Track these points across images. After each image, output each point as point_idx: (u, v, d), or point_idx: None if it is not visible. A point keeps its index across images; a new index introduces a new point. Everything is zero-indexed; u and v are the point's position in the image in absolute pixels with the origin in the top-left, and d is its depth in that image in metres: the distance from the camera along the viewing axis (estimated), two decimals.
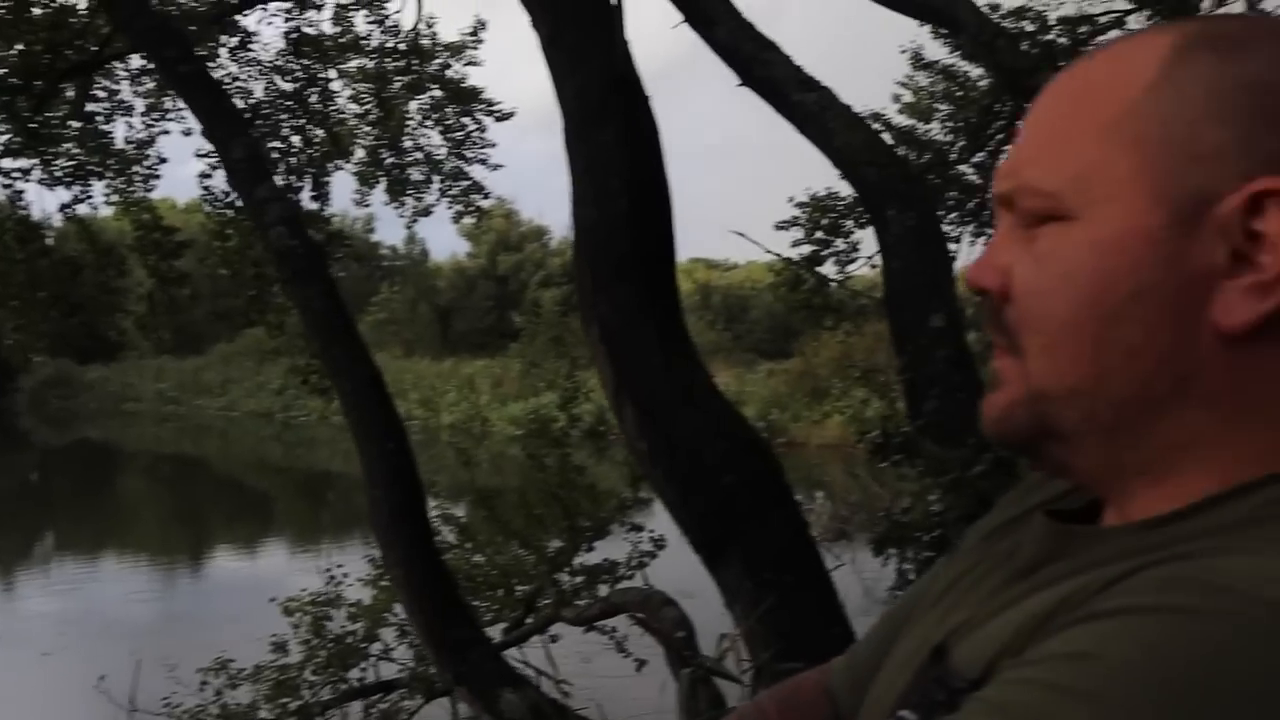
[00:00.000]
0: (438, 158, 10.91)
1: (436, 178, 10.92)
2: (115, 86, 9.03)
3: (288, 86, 9.53)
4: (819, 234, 9.39)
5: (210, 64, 8.08)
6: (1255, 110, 0.58)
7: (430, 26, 10.71)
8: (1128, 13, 8.31)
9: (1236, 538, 0.54)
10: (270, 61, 9.53)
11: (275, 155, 8.93)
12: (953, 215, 9.46)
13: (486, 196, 11.22)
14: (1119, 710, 0.48)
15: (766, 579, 2.92)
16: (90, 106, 8.63)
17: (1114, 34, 8.18)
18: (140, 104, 9.08)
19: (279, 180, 8.74)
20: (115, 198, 8.75)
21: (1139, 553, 0.57)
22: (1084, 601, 0.55)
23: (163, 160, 9.05)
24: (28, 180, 8.21)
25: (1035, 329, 0.62)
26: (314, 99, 9.70)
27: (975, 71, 9.88)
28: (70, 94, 8.54)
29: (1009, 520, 0.76)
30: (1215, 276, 0.57)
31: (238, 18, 9.17)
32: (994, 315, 0.65)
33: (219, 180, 8.59)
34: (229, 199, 8.51)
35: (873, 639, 0.87)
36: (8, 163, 8.10)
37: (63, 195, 8.42)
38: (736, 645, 2.75)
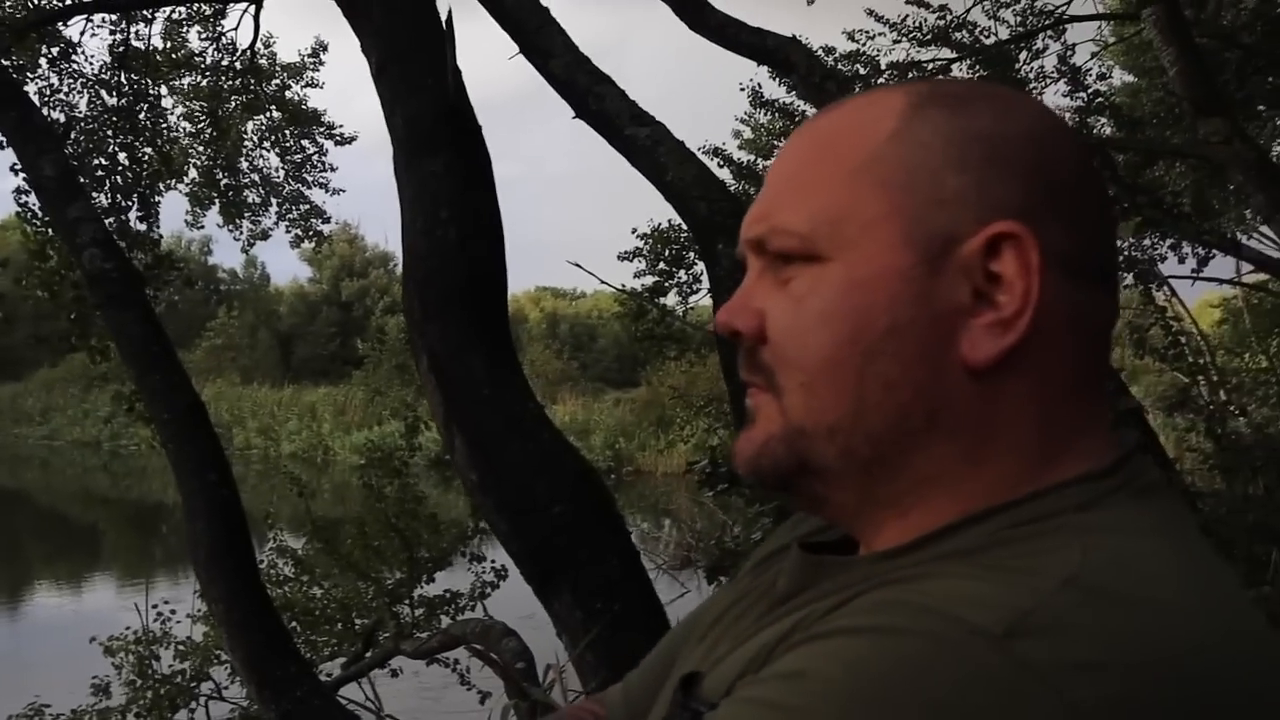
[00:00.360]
0: (276, 180, 10.64)
1: (274, 201, 10.65)
2: None
3: (114, 101, 9.13)
4: (661, 265, 9.56)
5: (29, 75, 7.69)
6: (986, 160, 0.62)
7: (268, 46, 10.46)
8: (953, 61, 8.76)
9: (948, 565, 0.57)
10: (96, 75, 9.13)
11: (100, 173, 8.55)
12: None
13: (327, 221, 11.00)
14: None
15: (597, 608, 2.93)
16: None
17: (939, 78, 8.58)
18: None
19: (104, 199, 8.38)
20: None
21: (867, 580, 0.60)
22: (806, 628, 0.58)
23: None
24: None
25: (793, 367, 0.64)
26: (143, 115, 9.33)
27: (811, 111, 10.25)
28: None
29: (771, 554, 0.78)
30: (961, 314, 0.61)
31: (59, 27, 8.75)
32: (748, 356, 0.67)
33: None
34: (48, 217, 8.09)
35: (649, 667, 0.89)
36: None
37: None
38: (564, 675, 2.75)
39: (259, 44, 10.20)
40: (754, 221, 0.68)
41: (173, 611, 6.16)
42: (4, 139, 4.39)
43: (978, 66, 8.78)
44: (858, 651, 0.52)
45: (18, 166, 7.93)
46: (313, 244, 11.30)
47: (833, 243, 0.63)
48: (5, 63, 5.02)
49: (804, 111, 10.50)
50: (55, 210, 4.04)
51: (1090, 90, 8.55)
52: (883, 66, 9.61)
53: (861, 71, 9.60)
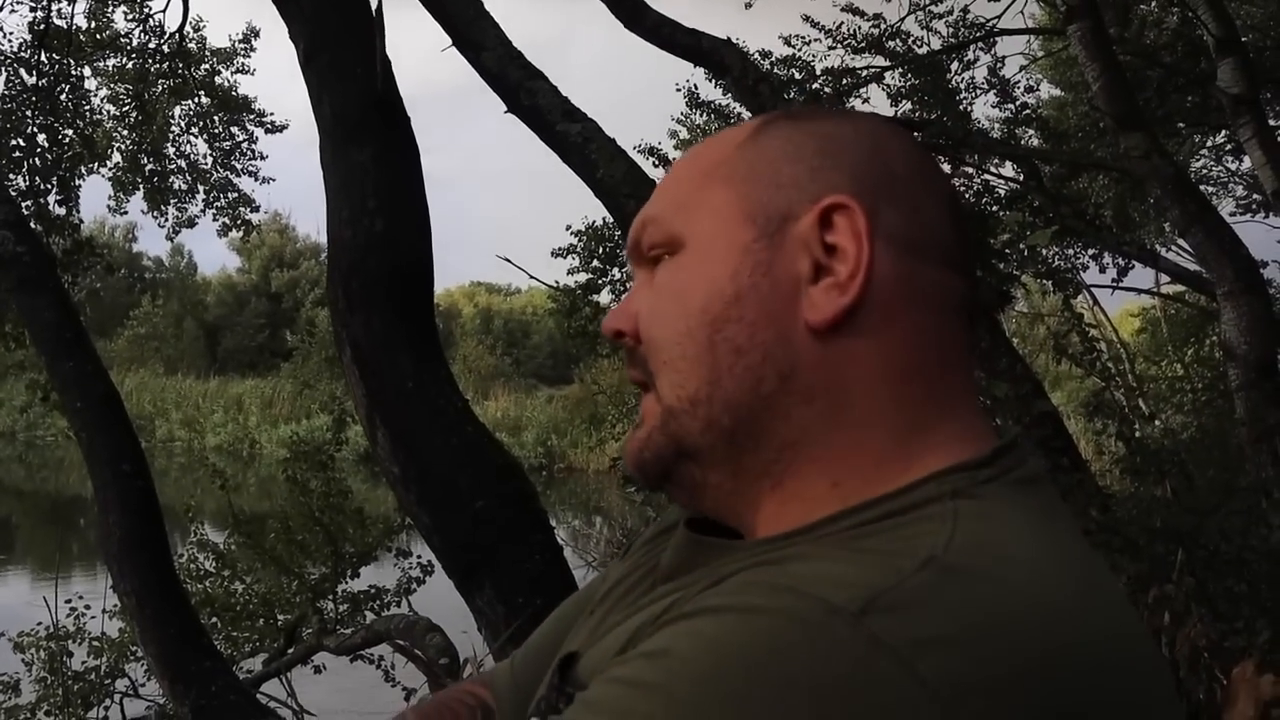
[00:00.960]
0: (203, 167, 10.44)
1: (202, 188, 10.44)
2: None
3: (33, 80, 8.88)
4: (595, 263, 9.55)
5: None
6: (819, 151, 0.67)
7: (198, 30, 10.27)
8: (885, 69, 8.87)
9: (818, 546, 0.59)
10: (14, 53, 8.87)
11: (18, 154, 8.32)
12: None
13: (256, 209, 10.81)
14: (678, 700, 0.51)
15: (519, 603, 2.93)
16: None
17: (872, 87, 8.68)
18: None
19: (21, 181, 8.16)
20: None
21: (741, 561, 0.61)
22: (683, 605, 0.59)
23: None
24: None
25: (656, 348, 0.68)
26: (64, 96, 9.09)
27: (746, 114, 10.30)
28: None
29: (664, 530, 0.80)
30: (802, 282, 0.65)
31: None
32: (632, 356, 0.70)
33: None
34: None
35: (535, 644, 0.89)
36: None
37: None
38: (480, 670, 2.73)
39: (188, 27, 10.01)
40: (634, 231, 0.73)
41: (87, 607, 6.02)
42: None
43: (910, 75, 8.91)
44: (718, 630, 0.53)
45: None
46: (240, 233, 11.09)
47: (687, 231, 0.68)
48: None
49: (738, 113, 10.56)
50: None
51: (1019, 103, 8.71)
52: (817, 72, 9.71)
53: (797, 76, 9.70)
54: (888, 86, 9.72)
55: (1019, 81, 9.18)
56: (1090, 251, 10.07)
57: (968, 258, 0.69)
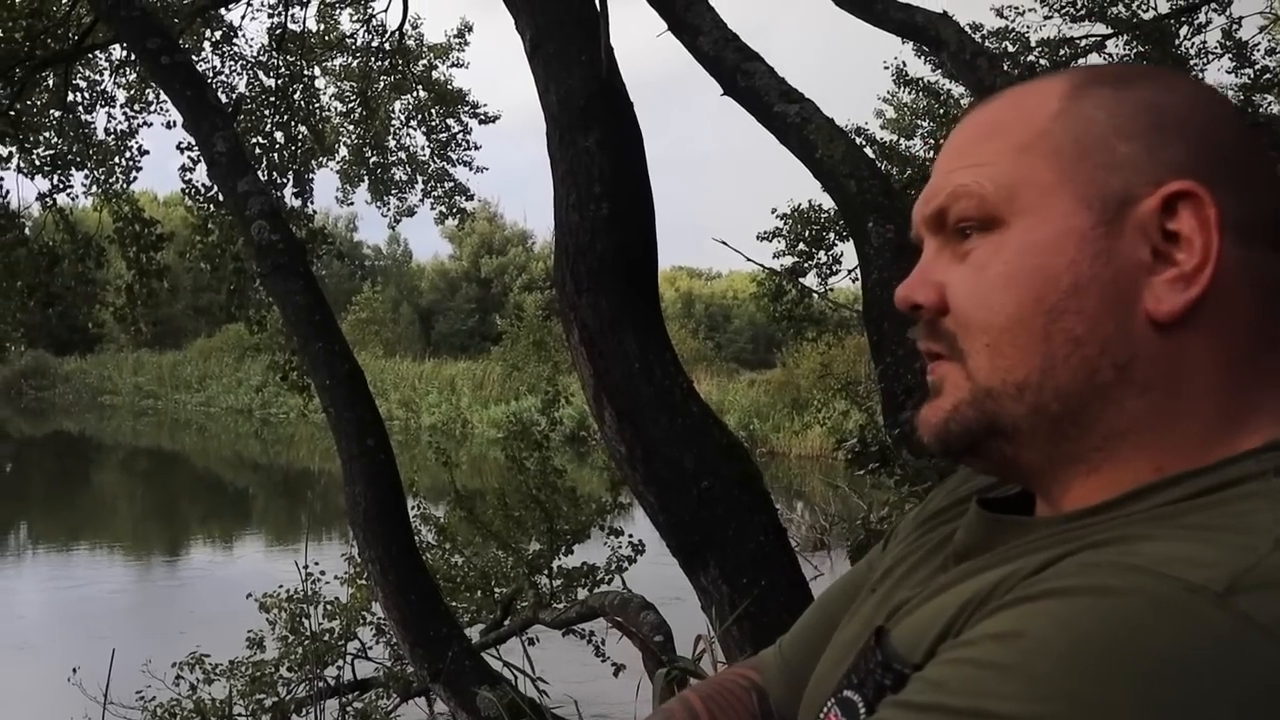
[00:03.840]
0: (422, 159, 10.92)
1: (420, 179, 10.93)
2: (96, 76, 9.01)
3: (271, 82, 9.51)
4: (801, 246, 9.47)
5: (194, 57, 8.05)
6: (1152, 126, 0.65)
7: (416, 27, 10.73)
8: (1107, 37, 8.40)
9: (1151, 526, 0.59)
10: (254, 57, 9.52)
11: (258, 151, 8.91)
12: None
13: (470, 199, 11.25)
14: (1039, 680, 0.51)
15: (743, 584, 2.95)
16: (71, 96, 8.59)
17: (1093, 57, 8.24)
18: (121, 95, 9.07)
19: (261, 177, 8.73)
20: (95, 189, 8.72)
21: (1065, 541, 0.61)
22: (1013, 587, 0.59)
23: (144, 152, 9.03)
24: (6, 168, 8.17)
25: (978, 330, 0.67)
26: (297, 96, 9.69)
27: (957, 90, 9.98)
28: (51, 82, 8.50)
29: (940, 510, 0.81)
30: (1142, 271, 0.63)
31: (221, 11, 9.15)
32: (930, 328, 0.70)
33: (201, 174, 8.58)
34: (210, 193, 8.49)
35: (805, 628, 0.91)
36: None
37: (41, 184, 8.39)
38: (712, 648, 2.78)
39: (407, 25, 10.48)
40: (929, 198, 0.71)
41: (322, 572, 6.38)
42: (181, 118, 4.61)
43: (1134, 42, 8.42)
44: (1073, 611, 0.53)
45: (184, 145, 8.44)
46: (456, 221, 11.56)
47: (1010, 209, 0.66)
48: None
49: (949, 91, 10.25)
50: (226, 184, 4.23)
51: (1258, 66, 8.11)
52: (1033, 43, 9.30)
53: (1010, 49, 9.32)
54: (1110, 56, 9.23)
55: (1258, 44, 8.54)
56: None
57: None
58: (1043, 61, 9.36)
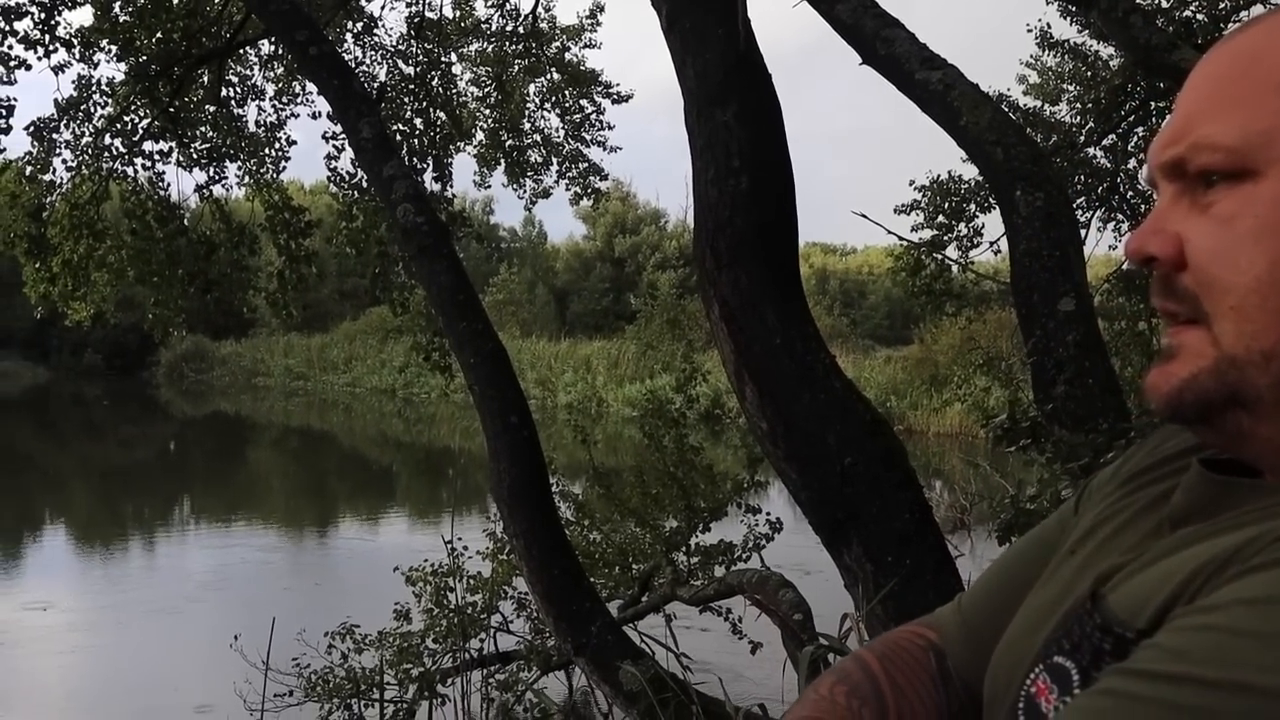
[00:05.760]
0: (556, 140, 11.03)
1: (555, 160, 11.04)
2: (247, 72, 9.38)
3: (409, 70, 9.74)
4: (941, 218, 9.23)
5: (337, 48, 8.30)
6: None
7: (549, 10, 10.82)
8: None
9: None
10: (393, 46, 9.76)
11: (398, 138, 9.14)
12: (1080, 200, 9.18)
13: (604, 179, 11.31)
14: None
15: (887, 562, 2.90)
16: (224, 91, 8.97)
17: (1256, 8, 7.77)
18: (270, 89, 9.43)
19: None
20: (247, 179, 9.09)
21: None
22: (1260, 550, 0.55)
23: (292, 142, 9.37)
24: (167, 162, 8.59)
25: (1223, 290, 0.61)
26: (435, 82, 9.89)
27: (1106, 51, 9.55)
28: (206, 79, 8.89)
29: (1145, 469, 0.76)
30: None
31: (362, 2, 9.41)
32: (1165, 284, 0.64)
33: (345, 162, 8.85)
34: (355, 180, 8.75)
35: (988, 590, 0.87)
36: (149, 145, 8.49)
37: (199, 177, 8.80)
38: (858, 626, 2.73)
39: (540, 9, 10.58)
40: (1168, 144, 0.65)
41: (465, 547, 6.52)
42: (328, 107, 4.75)
43: None
44: None
45: (329, 134, 8.73)
46: (590, 201, 11.65)
47: (1262, 157, 0.60)
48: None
49: (1097, 52, 9.82)
50: (373, 169, 4.34)
51: None
52: None
53: (1165, 4, 8.87)
54: (1275, 5, 8.70)
55: None
56: None
57: None
58: (1199, 16, 8.89)
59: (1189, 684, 0.50)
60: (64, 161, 8.34)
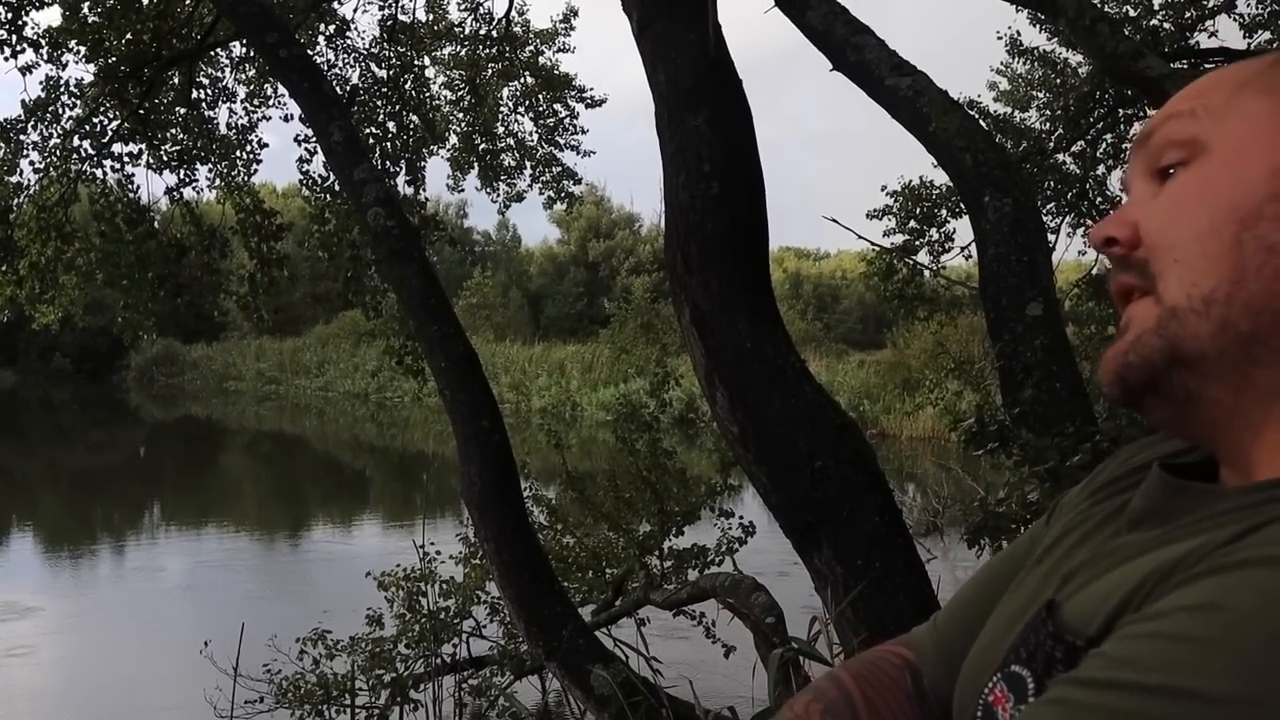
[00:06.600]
0: (530, 144, 11.02)
1: (528, 164, 11.03)
2: (219, 74, 9.32)
3: (382, 73, 9.70)
4: (912, 223, 9.29)
5: (309, 52, 8.25)
6: None
7: (522, 14, 10.82)
8: None
9: None
10: (366, 49, 9.73)
11: (371, 141, 9.10)
12: (1049, 205, 9.27)
13: (578, 182, 11.31)
14: (1245, 657, 0.48)
15: (857, 565, 2.91)
16: (195, 93, 8.91)
17: (1220, 19, 7.84)
18: (242, 91, 9.37)
19: (375, 166, 8.93)
20: (218, 182, 9.03)
21: (1259, 510, 0.57)
22: (1204, 557, 0.55)
23: (263, 145, 9.31)
24: (137, 165, 8.52)
25: (1167, 247, 0.63)
26: (408, 85, 9.86)
27: (1074, 59, 9.64)
28: (176, 81, 8.82)
29: (1113, 479, 0.76)
30: None
31: (334, 5, 9.37)
32: (1121, 264, 0.67)
33: (318, 165, 8.81)
34: (327, 183, 8.71)
35: (962, 604, 0.87)
36: (118, 147, 8.41)
37: (169, 179, 8.73)
38: (827, 629, 2.74)
39: (513, 12, 10.57)
40: (1141, 134, 0.70)
41: (438, 552, 6.50)
42: (299, 109, 4.73)
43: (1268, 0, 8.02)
44: (1276, 582, 0.50)
45: (301, 137, 8.68)
46: (564, 205, 11.64)
47: (1212, 132, 0.64)
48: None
49: (1066, 60, 9.91)
50: (343, 172, 4.33)
51: None
52: (1155, 5, 8.94)
53: (1132, 13, 8.97)
54: (1240, 16, 8.82)
55: None
56: None
57: None
58: (1166, 25, 8.99)
59: (1132, 691, 0.50)
60: (31, 163, 8.26)
